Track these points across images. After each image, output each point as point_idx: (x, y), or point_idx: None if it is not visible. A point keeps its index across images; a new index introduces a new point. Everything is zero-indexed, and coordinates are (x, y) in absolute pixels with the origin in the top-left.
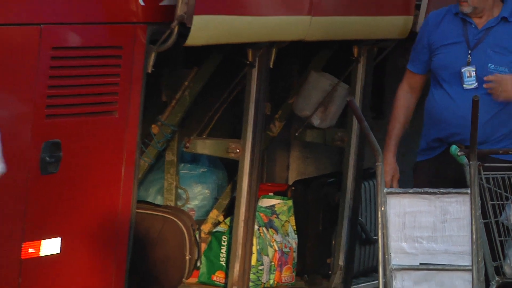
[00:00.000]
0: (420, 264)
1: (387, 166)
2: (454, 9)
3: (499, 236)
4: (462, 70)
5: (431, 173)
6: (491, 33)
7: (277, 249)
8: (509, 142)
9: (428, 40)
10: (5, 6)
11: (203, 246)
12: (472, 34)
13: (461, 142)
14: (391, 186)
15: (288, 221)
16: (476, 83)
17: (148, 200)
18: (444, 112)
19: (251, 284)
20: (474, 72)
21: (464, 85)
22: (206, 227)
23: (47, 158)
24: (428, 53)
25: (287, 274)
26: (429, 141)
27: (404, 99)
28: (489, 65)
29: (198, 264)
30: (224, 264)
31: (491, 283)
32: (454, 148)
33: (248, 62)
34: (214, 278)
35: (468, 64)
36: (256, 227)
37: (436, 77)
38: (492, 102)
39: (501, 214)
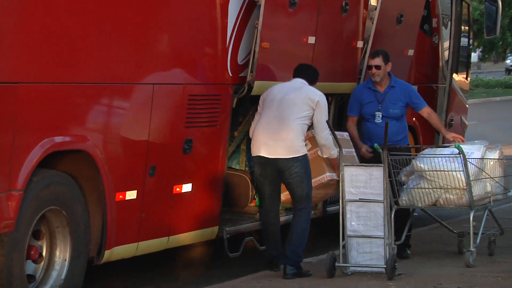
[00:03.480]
0: (359, 198)
1: (362, 147)
2: (367, 85)
3: (396, 186)
4: (375, 113)
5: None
6: (388, 94)
7: None
8: (403, 142)
9: (358, 100)
10: (174, 74)
11: None
12: (378, 96)
13: (380, 143)
14: (366, 152)
15: None
16: (381, 120)
17: (232, 166)
18: (373, 131)
19: None
20: (380, 114)
21: (375, 120)
22: None
23: (186, 146)
24: (358, 106)
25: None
26: (367, 145)
27: (352, 127)
28: (390, 110)
29: (255, 197)
30: None
31: (392, 208)
32: (376, 145)
33: None
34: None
35: (379, 110)
36: None
37: (364, 117)
38: (391, 125)
39: (397, 176)
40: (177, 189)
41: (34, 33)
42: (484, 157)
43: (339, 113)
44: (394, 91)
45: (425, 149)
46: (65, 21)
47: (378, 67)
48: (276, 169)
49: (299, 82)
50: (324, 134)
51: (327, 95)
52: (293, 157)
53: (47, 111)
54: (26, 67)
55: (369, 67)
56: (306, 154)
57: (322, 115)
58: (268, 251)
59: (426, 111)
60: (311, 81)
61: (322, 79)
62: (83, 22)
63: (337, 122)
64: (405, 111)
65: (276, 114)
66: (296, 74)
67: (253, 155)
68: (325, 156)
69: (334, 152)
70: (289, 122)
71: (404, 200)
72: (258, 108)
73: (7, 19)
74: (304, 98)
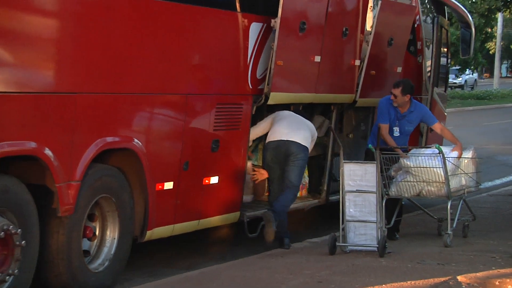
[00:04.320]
0: (356, 190)
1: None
2: (390, 101)
3: (387, 179)
4: (394, 128)
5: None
6: (407, 117)
7: (303, 181)
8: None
9: (387, 111)
10: (205, 86)
11: None
12: (399, 115)
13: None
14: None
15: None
16: (398, 134)
17: (252, 161)
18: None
19: None
20: (398, 129)
21: (394, 134)
22: None
23: (213, 145)
24: (388, 116)
25: (304, 192)
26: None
27: (388, 136)
28: (406, 128)
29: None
30: None
31: (383, 198)
32: (370, 146)
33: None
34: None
35: (397, 126)
36: None
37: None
38: (404, 139)
39: (388, 171)
40: (206, 181)
41: (91, 53)
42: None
43: (340, 118)
44: (412, 115)
45: (411, 149)
46: (118, 43)
47: (395, 96)
48: (285, 153)
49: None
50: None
51: (329, 104)
52: (303, 146)
53: (100, 116)
54: (82, 81)
55: (391, 92)
56: (308, 152)
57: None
58: (277, 230)
59: (438, 126)
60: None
61: (326, 91)
62: (133, 44)
63: (338, 126)
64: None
65: (294, 118)
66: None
67: (269, 140)
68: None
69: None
70: (305, 125)
71: (393, 191)
72: (267, 121)
73: (72, 44)
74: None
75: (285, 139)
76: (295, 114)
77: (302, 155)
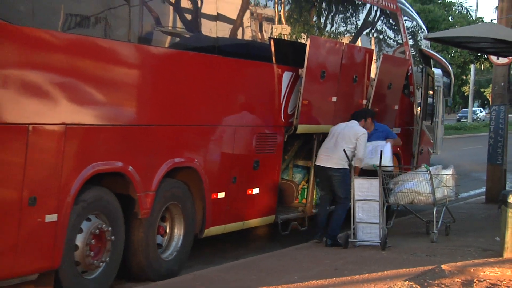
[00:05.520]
0: (364, 199)
1: None
2: None
3: (388, 190)
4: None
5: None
6: (373, 134)
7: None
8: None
9: None
10: (248, 120)
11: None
12: (369, 135)
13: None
14: None
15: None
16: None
17: (283, 177)
18: None
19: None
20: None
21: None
22: (300, 186)
23: (255, 165)
24: None
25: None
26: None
27: None
28: (374, 142)
29: (298, 196)
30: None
31: (384, 205)
32: (374, 165)
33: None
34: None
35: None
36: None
37: None
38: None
39: (387, 184)
40: (249, 192)
41: (164, 96)
42: (442, 173)
43: None
44: (377, 133)
45: (406, 168)
46: (185, 88)
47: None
48: (326, 175)
49: (353, 122)
50: (360, 154)
51: None
52: (336, 168)
53: (170, 142)
54: (158, 116)
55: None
56: (346, 169)
57: (361, 144)
58: (318, 226)
59: (391, 140)
60: (358, 120)
61: (340, 123)
62: (195, 89)
63: None
64: None
65: (333, 141)
66: (351, 117)
67: (314, 163)
68: (356, 165)
69: (362, 164)
70: (339, 149)
71: (391, 200)
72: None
73: (151, 89)
74: (353, 134)
75: (323, 165)
76: (342, 128)
77: (339, 174)
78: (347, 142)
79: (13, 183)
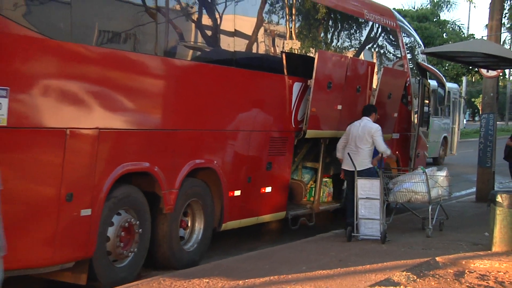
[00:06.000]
0: (366, 197)
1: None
2: None
3: (387, 190)
4: None
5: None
6: None
7: (328, 191)
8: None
9: None
10: (262, 125)
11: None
12: None
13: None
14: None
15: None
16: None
17: (293, 177)
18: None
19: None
20: None
21: None
22: (308, 185)
23: (268, 166)
24: None
25: (329, 198)
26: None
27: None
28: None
29: (306, 194)
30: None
31: (384, 203)
32: (376, 168)
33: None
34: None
35: None
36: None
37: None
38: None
39: (387, 184)
40: (263, 190)
41: (186, 103)
42: (436, 175)
43: None
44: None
45: (404, 170)
46: (205, 97)
47: None
48: (353, 177)
49: (364, 119)
50: (382, 148)
51: None
52: (361, 170)
53: (191, 145)
54: (180, 121)
55: None
56: (371, 167)
57: (378, 139)
58: (348, 219)
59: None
60: (369, 115)
61: (344, 129)
62: (214, 97)
63: None
64: None
65: (353, 144)
66: (362, 114)
67: (342, 167)
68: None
69: (389, 153)
70: (360, 151)
71: (391, 198)
72: (344, 134)
73: (174, 97)
74: (367, 133)
75: (348, 169)
76: (357, 130)
77: (364, 175)
78: (365, 143)
79: (52, 181)
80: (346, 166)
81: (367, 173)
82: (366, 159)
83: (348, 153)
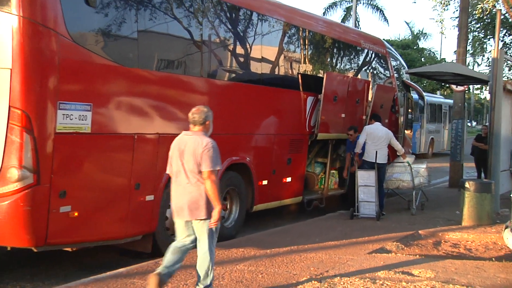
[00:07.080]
0: (364, 185)
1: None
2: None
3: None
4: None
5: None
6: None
7: (335, 180)
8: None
9: (350, 143)
10: (284, 130)
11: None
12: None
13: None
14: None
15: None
16: (353, 151)
17: (308, 170)
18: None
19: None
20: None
21: (356, 150)
22: (319, 176)
23: (288, 161)
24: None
25: (336, 186)
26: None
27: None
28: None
29: (318, 182)
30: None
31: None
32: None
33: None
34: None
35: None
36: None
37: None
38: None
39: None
40: (284, 180)
41: (223, 113)
42: (418, 167)
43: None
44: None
45: (394, 162)
46: (239, 109)
47: (351, 135)
48: (373, 167)
49: (377, 124)
50: (398, 148)
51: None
52: (383, 163)
53: (229, 146)
54: (221, 126)
55: (347, 133)
56: (387, 160)
57: (394, 142)
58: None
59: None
60: (380, 120)
61: (346, 132)
62: (246, 109)
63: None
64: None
65: (376, 143)
66: (374, 120)
67: (365, 159)
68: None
69: (402, 151)
70: (382, 149)
71: (383, 185)
72: (363, 134)
73: (216, 108)
74: (385, 136)
75: (371, 161)
76: (377, 133)
77: (384, 167)
78: (385, 144)
79: (125, 174)
80: (371, 158)
81: (384, 166)
82: (386, 156)
83: (376, 151)
